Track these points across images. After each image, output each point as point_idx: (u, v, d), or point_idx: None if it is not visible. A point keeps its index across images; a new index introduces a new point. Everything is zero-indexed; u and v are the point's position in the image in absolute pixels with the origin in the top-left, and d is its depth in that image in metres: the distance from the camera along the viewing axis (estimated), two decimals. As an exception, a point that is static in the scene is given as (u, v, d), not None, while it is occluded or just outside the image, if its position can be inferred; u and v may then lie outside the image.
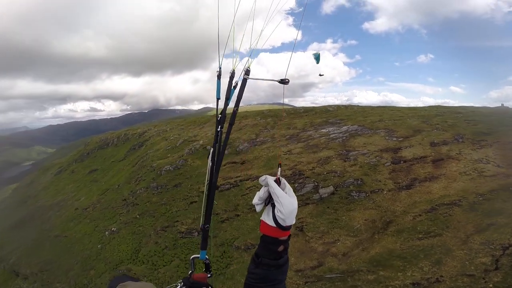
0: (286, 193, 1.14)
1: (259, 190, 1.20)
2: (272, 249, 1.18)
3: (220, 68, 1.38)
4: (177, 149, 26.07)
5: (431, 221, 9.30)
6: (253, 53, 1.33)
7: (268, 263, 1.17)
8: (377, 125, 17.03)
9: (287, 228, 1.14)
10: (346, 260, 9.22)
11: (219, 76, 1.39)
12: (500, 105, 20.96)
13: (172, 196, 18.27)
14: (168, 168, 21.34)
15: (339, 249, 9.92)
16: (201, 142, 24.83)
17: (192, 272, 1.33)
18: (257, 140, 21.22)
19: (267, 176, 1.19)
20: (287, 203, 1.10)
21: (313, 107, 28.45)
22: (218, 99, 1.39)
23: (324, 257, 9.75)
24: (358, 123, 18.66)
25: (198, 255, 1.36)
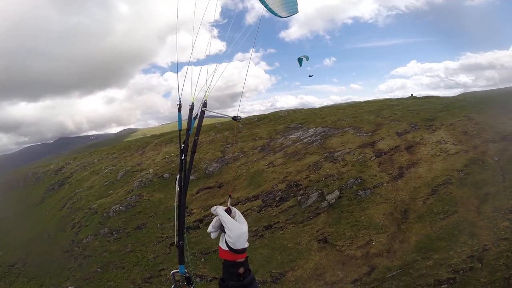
0: (236, 219, 1.34)
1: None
2: (232, 272, 1.31)
3: (180, 101, 1.59)
4: (120, 183, 20.97)
5: (440, 201, 10.51)
6: (209, 87, 1.61)
7: (233, 285, 1.29)
8: (341, 124, 18.56)
9: (240, 251, 1.30)
10: (395, 256, 9.20)
11: (179, 109, 1.60)
12: (410, 95, 27.04)
13: (139, 241, 14.57)
14: (117, 208, 16.93)
15: (378, 248, 9.83)
16: (151, 170, 20.68)
17: (174, 287, 1.53)
18: (226, 157, 19.36)
19: (218, 206, 1.39)
20: (235, 228, 1.29)
21: (264, 114, 28.73)
22: (180, 130, 1.61)
23: (370, 260, 9.42)
24: (321, 125, 19.86)
25: (177, 270, 1.53)
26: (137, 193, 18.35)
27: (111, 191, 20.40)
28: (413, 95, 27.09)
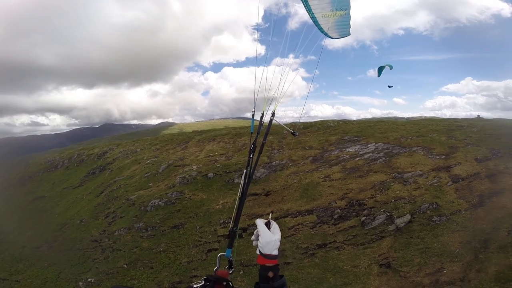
0: (271, 230, 1.69)
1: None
2: (263, 275, 1.59)
3: (254, 108, 2.15)
4: (161, 176, 22.62)
5: (532, 238, 10.14)
6: (278, 102, 2.27)
7: (263, 287, 1.55)
8: (407, 143, 18.39)
9: (269, 256, 1.60)
10: (469, 285, 9.13)
11: (253, 115, 2.24)
12: (477, 116, 25.83)
13: (174, 242, 15.43)
14: (156, 203, 18.14)
15: (450, 276, 9.79)
16: (194, 167, 22.08)
17: (217, 268, 1.72)
18: (273, 164, 20.08)
19: (259, 219, 1.73)
20: (265, 235, 1.63)
21: (311, 122, 29.14)
22: (251, 133, 2.18)
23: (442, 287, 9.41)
24: (382, 141, 19.80)
25: (224, 254, 1.79)
26: (179, 189, 19.53)
27: (151, 184, 21.97)
28: (480, 116, 25.76)
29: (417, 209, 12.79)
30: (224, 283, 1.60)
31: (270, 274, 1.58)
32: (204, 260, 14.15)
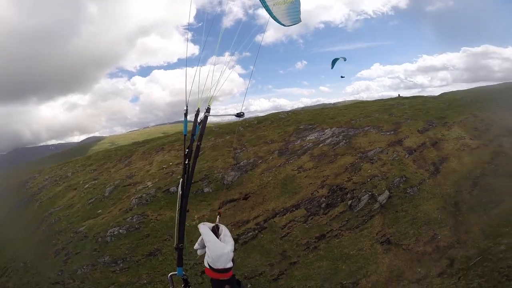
0: (220, 238, 1.41)
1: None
2: None
3: (187, 106, 1.68)
4: (110, 200, 18.58)
5: (484, 192, 12.28)
6: (213, 94, 1.76)
7: None
8: (358, 124, 19.89)
9: (222, 270, 1.35)
10: (467, 245, 10.39)
11: (185, 114, 1.70)
12: (398, 95, 30.52)
13: (156, 271, 13.50)
14: (116, 232, 15.06)
15: (446, 241, 10.95)
16: (150, 184, 18.78)
17: None
18: (241, 164, 18.77)
19: (204, 223, 1.45)
20: (215, 248, 1.34)
21: (262, 116, 28.77)
22: (185, 135, 1.71)
23: (445, 253, 10.45)
24: (335, 125, 20.92)
25: (176, 273, 1.59)
26: (139, 212, 16.48)
27: (100, 211, 17.86)
28: (400, 95, 30.61)
29: (391, 184, 13.81)
30: None
31: (228, 287, 1.35)
32: (201, 283, 12.13)
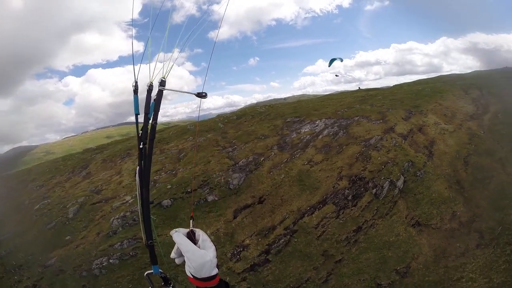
0: (199, 245, 1.27)
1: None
2: None
3: (136, 82, 1.45)
4: (78, 223, 14.98)
5: (477, 169, 14.26)
6: (169, 62, 1.44)
7: None
8: (347, 114, 20.61)
9: (207, 279, 1.23)
10: (484, 216, 11.84)
11: (135, 91, 1.45)
12: (358, 88, 33.18)
13: None
14: (105, 263, 12.63)
15: (466, 217, 12.26)
16: (129, 198, 15.22)
17: None
18: (240, 164, 17.07)
19: (176, 230, 1.30)
20: (195, 257, 1.22)
21: (240, 111, 27.03)
22: (137, 114, 1.45)
23: (470, 226, 11.68)
24: (323, 117, 21.21)
25: (152, 271, 1.46)
26: (128, 235, 13.30)
27: (68, 237, 13.60)
28: (360, 87, 33.51)
29: (402, 169, 14.66)
30: None
31: None
32: (183, 281, 10.42)
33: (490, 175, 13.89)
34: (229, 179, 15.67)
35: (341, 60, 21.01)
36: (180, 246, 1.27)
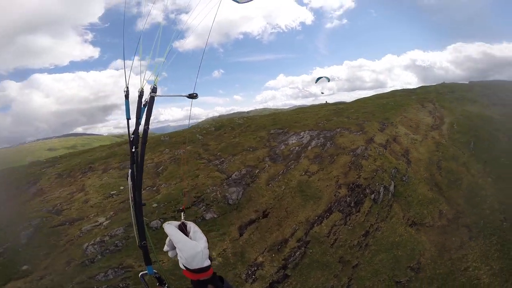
0: (190, 236, 1.34)
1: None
2: None
3: (127, 87, 1.53)
4: (37, 249, 12.03)
5: (448, 173, 16.74)
6: (161, 69, 1.58)
7: None
8: (328, 126, 22.09)
9: (199, 270, 1.29)
10: (466, 213, 13.89)
11: (127, 96, 1.55)
12: (325, 102, 35.76)
13: None
14: None
15: (451, 213, 14.23)
16: (103, 220, 13.36)
17: None
18: (233, 178, 16.61)
19: (168, 222, 1.39)
20: (186, 248, 1.28)
21: (218, 123, 26.36)
22: (128, 119, 1.55)
23: (456, 222, 13.50)
24: (306, 128, 22.32)
25: (146, 272, 1.55)
26: (111, 263, 11.46)
27: (25, 266, 10.87)
28: (327, 101, 36.37)
29: (391, 175, 16.28)
30: None
31: (211, 287, 1.32)
32: (182, 277, 9.68)
33: (460, 177, 16.45)
34: (227, 194, 14.97)
35: (328, 80, 22.93)
36: (171, 237, 1.32)
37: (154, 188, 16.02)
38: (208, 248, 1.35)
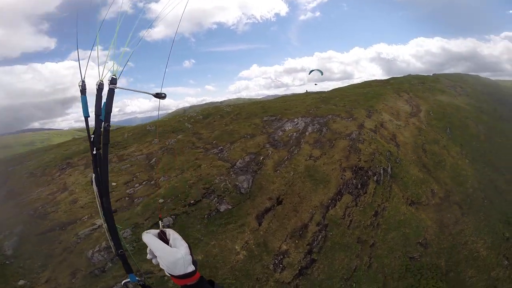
0: (170, 243, 1.35)
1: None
2: None
3: (83, 81, 1.38)
4: (28, 261, 10.66)
5: (433, 155, 18.88)
6: (122, 58, 1.37)
7: None
8: (320, 113, 22.89)
9: (186, 276, 1.31)
10: (454, 191, 15.84)
11: (83, 91, 1.38)
12: (305, 91, 36.48)
13: None
14: None
15: (441, 192, 16.06)
16: (101, 222, 11.94)
17: None
18: (239, 165, 16.33)
19: (147, 231, 1.39)
20: (165, 255, 1.29)
21: (205, 110, 25.21)
22: (86, 117, 1.39)
23: (447, 200, 15.30)
24: (299, 115, 22.82)
25: (129, 280, 1.55)
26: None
27: (22, 281, 9.72)
28: (307, 91, 37.33)
29: (386, 158, 17.68)
30: None
31: None
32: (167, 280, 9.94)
33: (443, 159, 18.65)
34: (237, 183, 14.63)
35: (322, 73, 23.70)
36: (150, 246, 1.34)
37: (152, 182, 14.83)
38: (191, 254, 1.36)
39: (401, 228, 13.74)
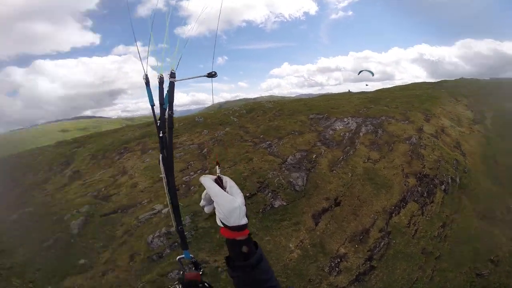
0: (227, 191, 1.32)
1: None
2: (235, 250, 1.29)
3: (146, 75, 1.57)
4: (91, 240, 10.69)
5: (510, 167, 16.99)
6: (178, 54, 1.59)
7: (240, 266, 1.29)
8: (372, 114, 21.75)
9: (236, 228, 1.26)
10: None
11: (147, 83, 1.58)
12: (348, 90, 35.30)
13: None
14: None
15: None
16: (161, 207, 11.98)
17: (183, 272, 1.54)
18: (290, 161, 15.79)
19: (204, 175, 1.39)
20: (224, 202, 1.25)
21: (248, 105, 25.16)
22: (152, 106, 1.58)
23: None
24: (348, 115, 21.85)
25: (183, 256, 1.59)
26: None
27: (82, 260, 9.83)
28: (350, 90, 36.02)
29: (453, 167, 16.25)
30: (200, 285, 1.48)
31: (245, 249, 1.30)
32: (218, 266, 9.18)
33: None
34: (291, 179, 14.13)
35: (373, 74, 22.76)
36: (209, 190, 1.31)
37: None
38: (245, 205, 1.33)
39: (472, 242, 12.42)
